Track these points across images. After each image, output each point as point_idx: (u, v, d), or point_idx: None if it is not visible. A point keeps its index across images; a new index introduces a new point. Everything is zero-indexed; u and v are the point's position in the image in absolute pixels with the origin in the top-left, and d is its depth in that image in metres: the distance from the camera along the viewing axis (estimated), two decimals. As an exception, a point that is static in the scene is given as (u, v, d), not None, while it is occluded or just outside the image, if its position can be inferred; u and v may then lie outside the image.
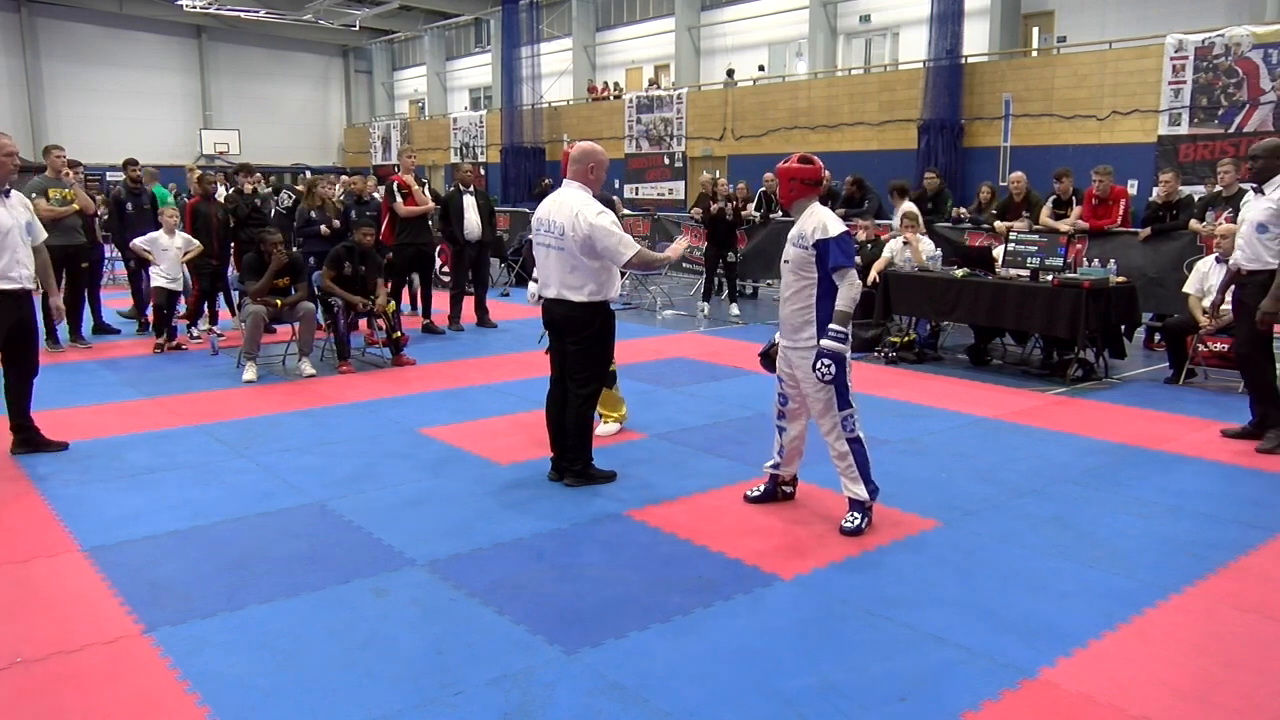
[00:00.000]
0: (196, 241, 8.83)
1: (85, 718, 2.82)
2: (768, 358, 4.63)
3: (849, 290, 4.14)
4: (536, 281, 5.45)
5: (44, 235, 5.59)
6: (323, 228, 9.05)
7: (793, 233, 4.34)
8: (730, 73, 20.77)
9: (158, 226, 8.94)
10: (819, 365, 4.13)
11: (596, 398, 5.02)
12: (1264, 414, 5.75)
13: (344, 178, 11.56)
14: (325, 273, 7.84)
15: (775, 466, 4.67)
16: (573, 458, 4.96)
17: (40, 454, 5.44)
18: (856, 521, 4.30)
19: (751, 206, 13.10)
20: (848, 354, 4.23)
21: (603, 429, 5.85)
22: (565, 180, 4.87)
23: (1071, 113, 13.90)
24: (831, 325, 4.14)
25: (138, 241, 8.68)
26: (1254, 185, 5.76)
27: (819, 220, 4.24)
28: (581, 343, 4.81)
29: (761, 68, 20.81)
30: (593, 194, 4.80)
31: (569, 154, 5.38)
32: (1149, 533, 4.33)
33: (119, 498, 4.76)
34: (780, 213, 12.88)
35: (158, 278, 8.65)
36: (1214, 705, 2.89)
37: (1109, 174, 9.12)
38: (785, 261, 4.37)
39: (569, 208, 4.68)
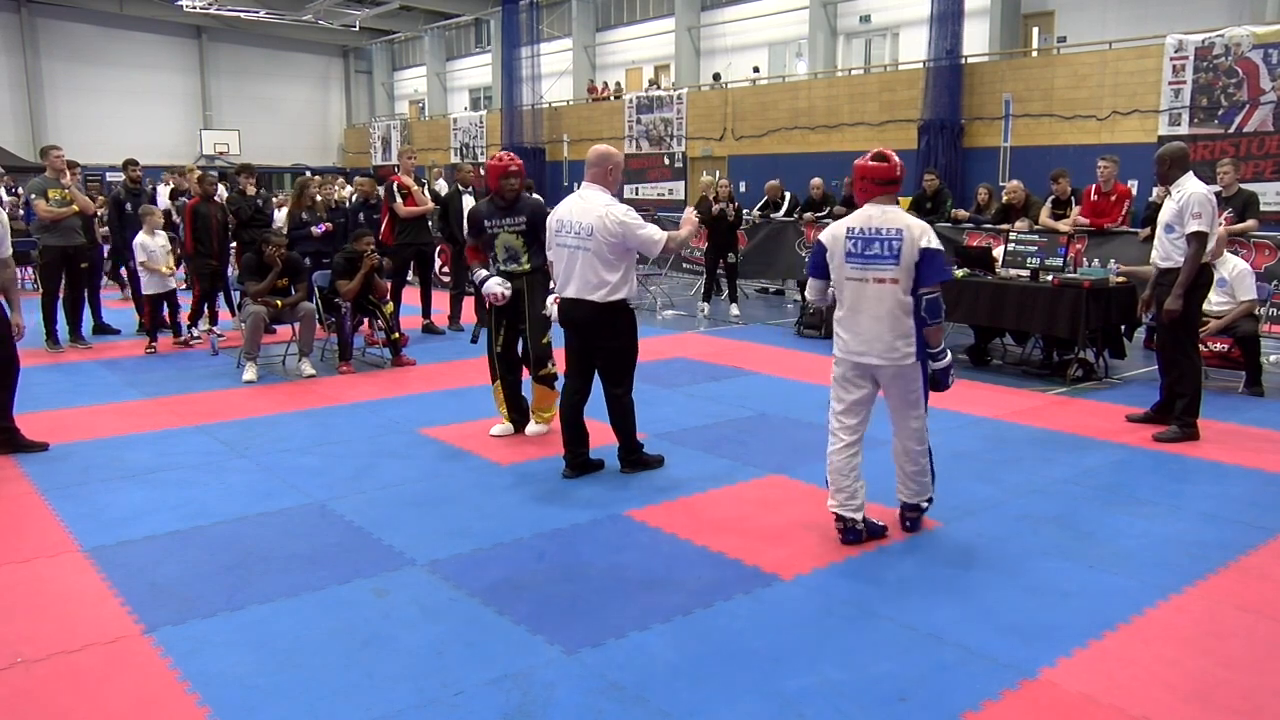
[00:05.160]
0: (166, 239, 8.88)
1: (85, 718, 2.82)
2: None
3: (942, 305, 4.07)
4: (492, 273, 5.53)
5: (8, 251, 5.48)
6: (314, 229, 9.02)
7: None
8: (716, 76, 20.77)
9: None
10: (951, 378, 4.14)
11: (631, 391, 5.11)
12: (1183, 406, 5.87)
13: (358, 178, 11.56)
14: (340, 284, 7.78)
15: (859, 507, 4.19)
16: (628, 448, 5.15)
17: (23, 454, 5.42)
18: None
19: (756, 209, 13.11)
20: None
21: (531, 429, 5.93)
22: (584, 182, 4.96)
23: (1071, 113, 13.89)
24: (933, 349, 4.10)
25: (142, 259, 8.63)
26: (1165, 188, 6.01)
27: (922, 227, 3.99)
28: (612, 343, 4.93)
29: (756, 69, 20.80)
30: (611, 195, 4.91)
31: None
32: (1149, 533, 4.33)
33: (119, 498, 4.76)
34: (782, 213, 12.91)
35: (150, 285, 8.66)
36: (1214, 705, 2.89)
37: (1115, 162, 9.02)
38: (881, 279, 3.99)
39: (595, 208, 4.77)
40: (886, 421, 4.33)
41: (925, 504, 4.33)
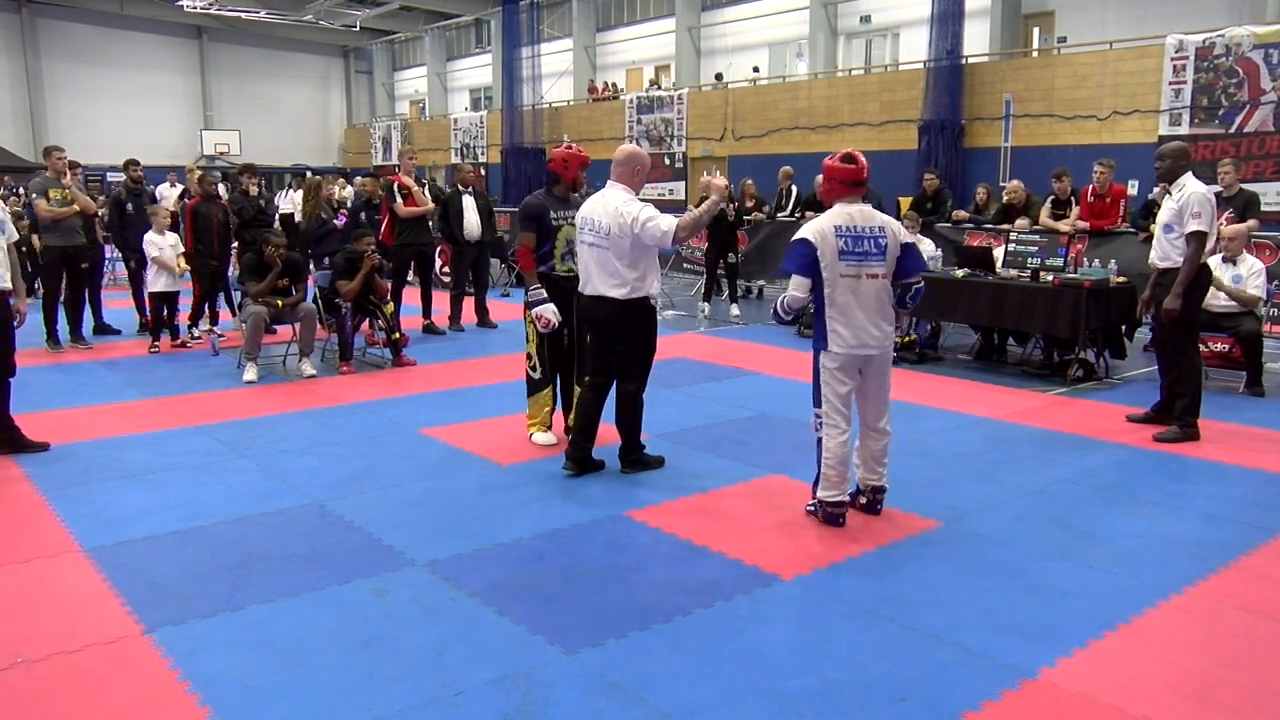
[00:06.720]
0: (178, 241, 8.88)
1: (85, 718, 2.82)
2: None
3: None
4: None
5: (15, 235, 5.56)
6: (335, 221, 9.19)
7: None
8: (719, 76, 20.74)
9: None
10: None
11: (643, 390, 5.11)
12: (1183, 406, 5.87)
13: (359, 178, 11.63)
14: (341, 284, 7.78)
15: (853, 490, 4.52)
16: (630, 448, 5.17)
17: (23, 454, 5.42)
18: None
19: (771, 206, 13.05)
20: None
21: (540, 438, 5.69)
22: (609, 181, 4.97)
23: (1072, 113, 13.89)
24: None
25: (154, 254, 8.63)
26: (1164, 186, 5.97)
27: (896, 223, 4.32)
28: (628, 340, 4.94)
29: (756, 69, 20.80)
30: (635, 196, 4.92)
31: (556, 155, 5.46)
32: (1149, 533, 4.33)
33: (119, 498, 4.76)
34: (786, 212, 12.88)
35: (159, 283, 8.66)
36: (1214, 705, 2.89)
37: (1111, 167, 9.05)
38: (873, 275, 4.21)
39: (613, 207, 4.81)
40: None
41: (886, 484, 4.51)
